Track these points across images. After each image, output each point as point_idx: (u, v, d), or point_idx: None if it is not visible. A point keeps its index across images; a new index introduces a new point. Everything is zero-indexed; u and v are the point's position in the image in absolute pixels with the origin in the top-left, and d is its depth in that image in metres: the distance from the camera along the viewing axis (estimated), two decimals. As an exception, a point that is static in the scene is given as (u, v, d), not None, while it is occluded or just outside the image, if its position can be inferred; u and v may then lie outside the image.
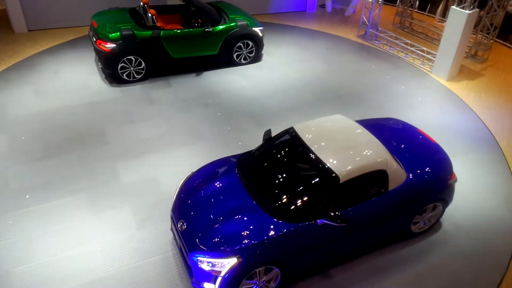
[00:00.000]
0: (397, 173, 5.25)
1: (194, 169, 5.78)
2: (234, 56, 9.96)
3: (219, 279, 4.54)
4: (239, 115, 8.35)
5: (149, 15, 8.94)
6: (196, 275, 4.75)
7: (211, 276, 4.59)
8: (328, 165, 4.97)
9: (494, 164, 7.41)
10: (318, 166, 5.03)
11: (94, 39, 8.81)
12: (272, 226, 4.72)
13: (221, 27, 9.44)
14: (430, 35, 12.37)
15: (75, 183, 6.51)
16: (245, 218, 4.82)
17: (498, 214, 6.35)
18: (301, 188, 5.04)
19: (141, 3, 9.37)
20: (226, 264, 4.51)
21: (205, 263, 4.58)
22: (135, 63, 8.94)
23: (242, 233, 4.66)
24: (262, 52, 10.57)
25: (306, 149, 5.25)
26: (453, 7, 9.38)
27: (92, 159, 6.99)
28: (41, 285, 5.04)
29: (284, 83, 9.58)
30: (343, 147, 5.23)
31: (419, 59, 10.90)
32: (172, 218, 5.29)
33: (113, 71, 8.88)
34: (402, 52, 11.28)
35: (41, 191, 6.32)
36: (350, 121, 5.78)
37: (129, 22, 8.97)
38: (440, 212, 5.80)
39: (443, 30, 9.90)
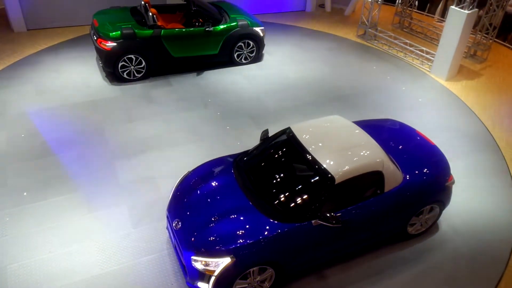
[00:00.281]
0: (394, 175, 5.23)
1: (192, 168, 5.78)
2: (235, 55, 9.96)
3: (212, 279, 4.54)
4: (238, 115, 8.35)
5: (150, 14, 8.96)
6: (190, 274, 4.75)
7: (204, 275, 4.58)
8: (323, 165, 4.96)
9: (493, 164, 7.38)
10: (313, 166, 5.02)
11: (95, 38, 8.84)
12: (266, 226, 4.71)
13: (222, 26, 9.44)
14: (429, 35, 12.36)
15: (72, 181, 6.53)
16: (240, 218, 4.81)
17: (496, 215, 6.32)
18: (296, 188, 5.03)
19: (142, 2, 9.38)
20: (220, 263, 4.50)
21: (199, 262, 4.57)
22: (135, 62, 8.96)
23: (237, 232, 4.65)
24: (263, 52, 10.57)
25: (302, 150, 5.24)
26: (452, 7, 9.37)
27: (90, 157, 7.01)
28: (36, 282, 5.06)
29: (285, 83, 9.56)
30: (339, 148, 5.21)
31: (418, 59, 10.89)
32: (167, 217, 5.30)
33: (113, 69, 8.90)
34: (401, 52, 11.27)
35: (38, 188, 6.34)
36: (347, 121, 5.76)
37: (130, 21, 8.99)
38: (437, 214, 5.77)
39: (442, 30, 9.90)
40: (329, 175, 4.86)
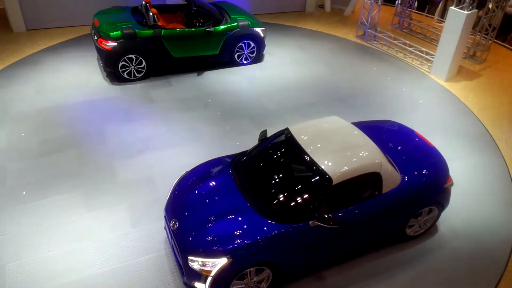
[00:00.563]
0: (392, 176, 5.22)
1: (190, 168, 5.77)
2: (235, 56, 9.96)
3: (209, 279, 4.54)
4: (238, 115, 8.36)
5: (150, 14, 8.97)
6: (187, 274, 4.75)
7: (201, 276, 4.58)
8: (321, 166, 4.95)
9: (492, 165, 7.37)
10: (311, 167, 5.01)
11: (96, 38, 8.86)
12: (263, 227, 4.70)
13: (222, 27, 9.44)
14: (429, 36, 12.38)
15: (71, 180, 6.54)
16: (237, 219, 4.81)
17: (496, 217, 6.30)
18: (294, 189, 5.02)
19: (143, 2, 9.40)
20: (217, 264, 4.50)
21: (195, 262, 4.57)
22: (135, 62, 8.98)
23: (233, 233, 4.65)
24: (264, 52, 10.57)
25: (300, 150, 5.23)
26: (452, 7, 9.37)
27: (89, 157, 7.03)
28: (34, 281, 5.07)
29: (285, 84, 9.56)
30: (337, 149, 5.20)
31: (417, 60, 10.88)
32: (165, 217, 5.30)
33: (114, 69, 8.92)
34: (400, 52, 11.27)
35: (37, 187, 6.36)
36: (345, 122, 5.75)
37: (131, 21, 9.01)
38: (435, 215, 5.76)
39: (441, 31, 9.90)
40: (327, 176, 4.86)
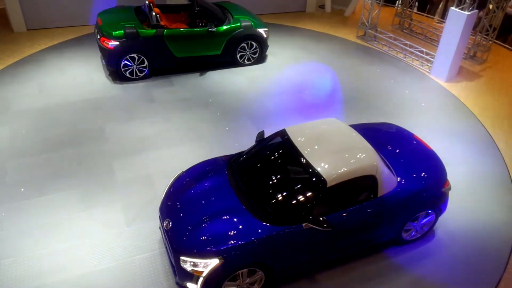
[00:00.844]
0: (388, 179, 5.17)
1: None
2: (238, 56, 9.95)
3: (200, 280, 4.53)
4: (239, 116, 8.34)
5: (153, 13, 9.00)
6: (179, 274, 4.75)
7: (193, 276, 4.58)
8: (315, 168, 4.92)
9: (492, 166, 7.30)
10: (306, 169, 4.98)
11: (99, 37, 8.91)
12: (257, 228, 4.68)
13: (225, 27, 9.44)
14: (429, 36, 12.29)
15: (70, 178, 6.57)
16: (230, 219, 4.79)
17: (495, 219, 6.23)
18: (288, 191, 4.99)
19: (147, 2, 9.43)
20: (208, 264, 4.49)
21: (187, 262, 4.57)
22: (138, 61, 9.01)
23: (226, 234, 4.63)
24: (267, 53, 10.55)
25: (295, 152, 5.20)
26: (452, 8, 9.31)
27: (89, 155, 7.06)
28: (29, 277, 5.10)
29: (287, 85, 9.53)
30: (333, 151, 5.16)
31: (418, 60, 10.81)
32: (159, 216, 5.30)
33: (116, 68, 8.96)
34: (401, 53, 11.20)
35: (36, 185, 6.40)
36: (342, 124, 5.71)
37: (134, 20, 9.04)
38: (433, 220, 5.69)
39: (442, 31, 9.84)
40: (321, 178, 4.82)
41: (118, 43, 8.65)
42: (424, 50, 10.83)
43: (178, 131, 7.80)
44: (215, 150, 7.11)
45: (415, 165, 5.64)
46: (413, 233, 5.70)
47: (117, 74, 9.14)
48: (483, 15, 10.44)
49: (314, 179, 4.86)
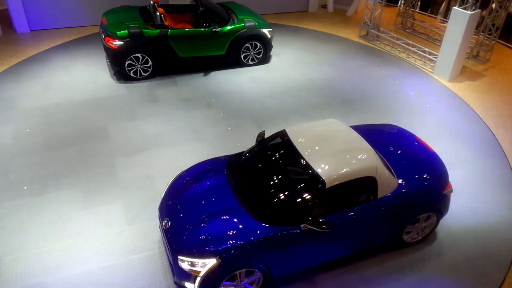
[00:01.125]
0: (388, 181, 5.13)
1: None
2: (242, 57, 9.96)
3: (198, 279, 4.53)
4: (241, 116, 8.35)
5: (157, 13, 9.04)
6: (177, 274, 4.76)
7: (191, 276, 4.58)
8: (315, 169, 4.90)
9: (495, 167, 7.23)
10: (305, 170, 4.96)
11: (103, 36, 8.96)
12: (255, 229, 4.67)
13: (229, 27, 9.45)
14: (432, 36, 12.25)
15: (72, 176, 6.62)
16: (229, 220, 4.79)
17: (499, 219, 6.17)
18: (286, 191, 4.98)
19: (151, 2, 9.47)
20: (206, 264, 4.49)
21: (185, 262, 4.57)
22: (142, 61, 9.05)
23: (224, 234, 4.63)
24: (271, 53, 10.54)
25: (295, 152, 5.19)
26: (455, 7, 9.26)
27: (91, 154, 7.10)
28: (29, 275, 5.14)
29: (291, 86, 9.52)
30: (332, 152, 5.14)
31: (420, 60, 10.76)
32: (159, 216, 5.32)
33: (120, 68, 9.01)
34: (403, 52, 11.16)
35: (38, 183, 6.46)
36: (343, 125, 5.68)
37: (138, 20, 9.08)
38: (434, 222, 5.64)
39: (444, 31, 9.79)
40: (320, 179, 4.80)
41: (122, 42, 8.70)
42: (426, 49, 10.78)
43: (181, 131, 7.82)
44: (217, 150, 7.12)
45: (416, 166, 5.59)
46: (414, 235, 5.65)
47: (121, 73, 9.19)
48: (486, 15, 10.39)
49: (313, 180, 4.84)
